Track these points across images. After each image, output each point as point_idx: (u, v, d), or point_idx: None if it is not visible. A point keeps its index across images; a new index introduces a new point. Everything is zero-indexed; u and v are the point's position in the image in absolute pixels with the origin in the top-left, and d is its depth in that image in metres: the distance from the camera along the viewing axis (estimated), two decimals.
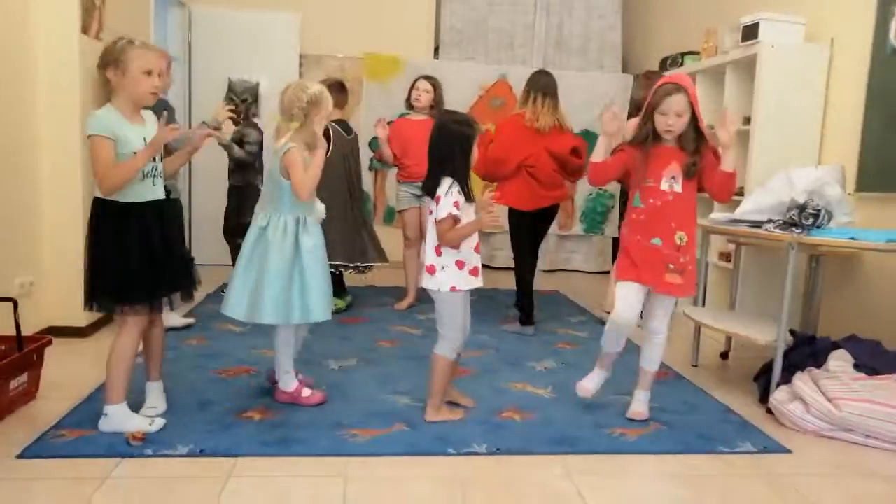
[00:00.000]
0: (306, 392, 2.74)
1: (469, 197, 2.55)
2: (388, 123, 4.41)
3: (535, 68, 4.37)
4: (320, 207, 2.75)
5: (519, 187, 3.89)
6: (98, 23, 3.60)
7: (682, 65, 4.72)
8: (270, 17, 5.73)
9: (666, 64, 4.92)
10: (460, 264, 2.55)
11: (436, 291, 2.56)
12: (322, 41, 5.92)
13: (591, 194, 6.29)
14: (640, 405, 2.74)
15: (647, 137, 2.56)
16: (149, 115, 2.46)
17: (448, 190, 2.50)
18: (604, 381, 2.82)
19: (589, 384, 2.81)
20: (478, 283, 2.60)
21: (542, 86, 3.95)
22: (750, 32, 3.90)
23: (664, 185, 2.56)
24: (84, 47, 3.42)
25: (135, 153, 2.30)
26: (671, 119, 2.49)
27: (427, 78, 4.38)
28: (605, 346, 2.75)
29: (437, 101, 4.33)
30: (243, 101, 4.46)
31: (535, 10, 6.35)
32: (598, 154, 2.60)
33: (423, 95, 4.33)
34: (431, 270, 2.55)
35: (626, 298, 2.63)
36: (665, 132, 2.53)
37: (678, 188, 2.56)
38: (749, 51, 3.92)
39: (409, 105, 4.41)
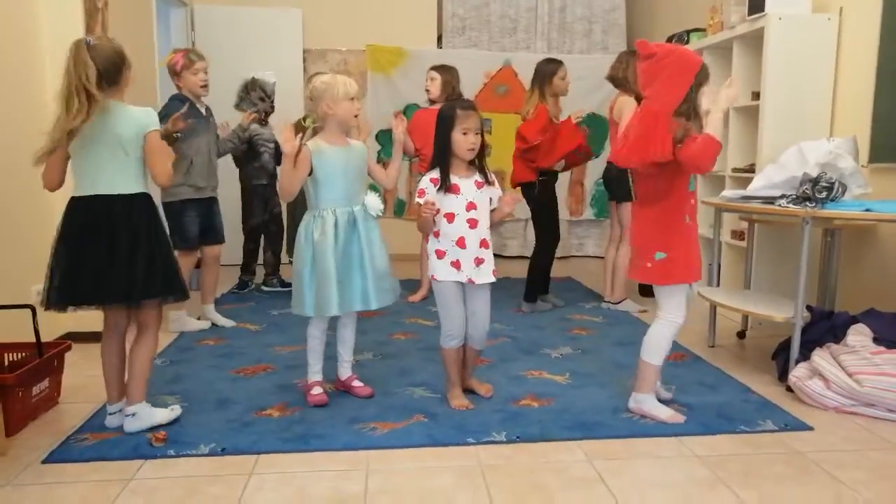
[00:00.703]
0: (316, 390, 2.73)
1: (446, 186, 2.50)
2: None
3: (538, 53, 4.38)
4: (372, 203, 2.67)
5: None
6: (101, 25, 3.61)
7: (687, 42, 4.65)
8: (271, 13, 5.72)
9: (672, 42, 4.85)
10: (439, 254, 2.57)
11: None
12: (324, 35, 5.90)
13: (600, 179, 6.24)
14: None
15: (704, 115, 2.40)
16: None
17: (423, 178, 2.56)
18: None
19: (667, 411, 2.56)
20: (458, 276, 2.54)
21: (534, 74, 4.16)
22: (756, 5, 3.83)
23: None
24: None
25: None
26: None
27: (432, 67, 4.37)
28: (663, 358, 2.55)
29: (446, 85, 4.29)
30: (272, 102, 4.52)
31: None
32: (720, 130, 2.29)
33: (431, 84, 4.32)
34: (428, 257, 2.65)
35: (684, 298, 2.53)
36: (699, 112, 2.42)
37: None
38: (756, 24, 3.86)
39: (429, 101, 4.40)
